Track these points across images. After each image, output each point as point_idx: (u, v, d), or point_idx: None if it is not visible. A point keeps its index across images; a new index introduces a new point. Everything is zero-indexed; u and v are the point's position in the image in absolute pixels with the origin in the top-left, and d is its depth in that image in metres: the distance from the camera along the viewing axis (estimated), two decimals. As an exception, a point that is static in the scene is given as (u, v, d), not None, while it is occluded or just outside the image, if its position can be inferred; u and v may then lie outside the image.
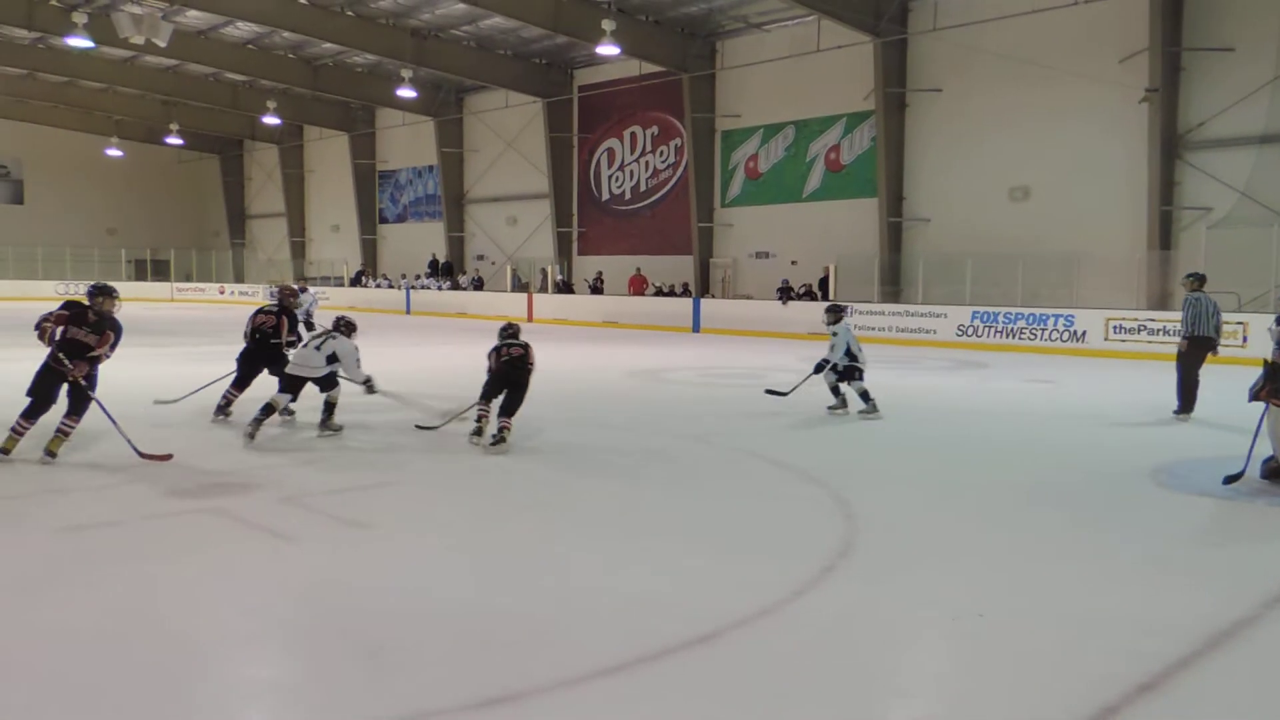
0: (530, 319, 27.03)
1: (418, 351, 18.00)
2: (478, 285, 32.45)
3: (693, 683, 3.58)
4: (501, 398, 8.04)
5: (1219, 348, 10.16)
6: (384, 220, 38.73)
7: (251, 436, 7.86)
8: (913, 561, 5.11)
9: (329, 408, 8.55)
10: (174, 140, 38.57)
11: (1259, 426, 6.85)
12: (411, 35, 27.28)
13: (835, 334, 9.79)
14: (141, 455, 6.97)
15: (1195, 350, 9.93)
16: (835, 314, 10.00)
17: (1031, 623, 4.20)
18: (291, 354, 8.67)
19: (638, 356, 16.92)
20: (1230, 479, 6.71)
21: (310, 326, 19.68)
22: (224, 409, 9.03)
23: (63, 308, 7.23)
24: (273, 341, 8.96)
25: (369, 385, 10.53)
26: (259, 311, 9.27)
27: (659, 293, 27.82)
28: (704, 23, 25.69)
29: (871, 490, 6.78)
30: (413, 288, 32.93)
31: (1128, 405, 11.10)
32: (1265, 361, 6.89)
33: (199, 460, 7.31)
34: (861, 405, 9.77)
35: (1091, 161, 20.07)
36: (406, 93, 28.32)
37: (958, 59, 21.84)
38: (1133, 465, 7.53)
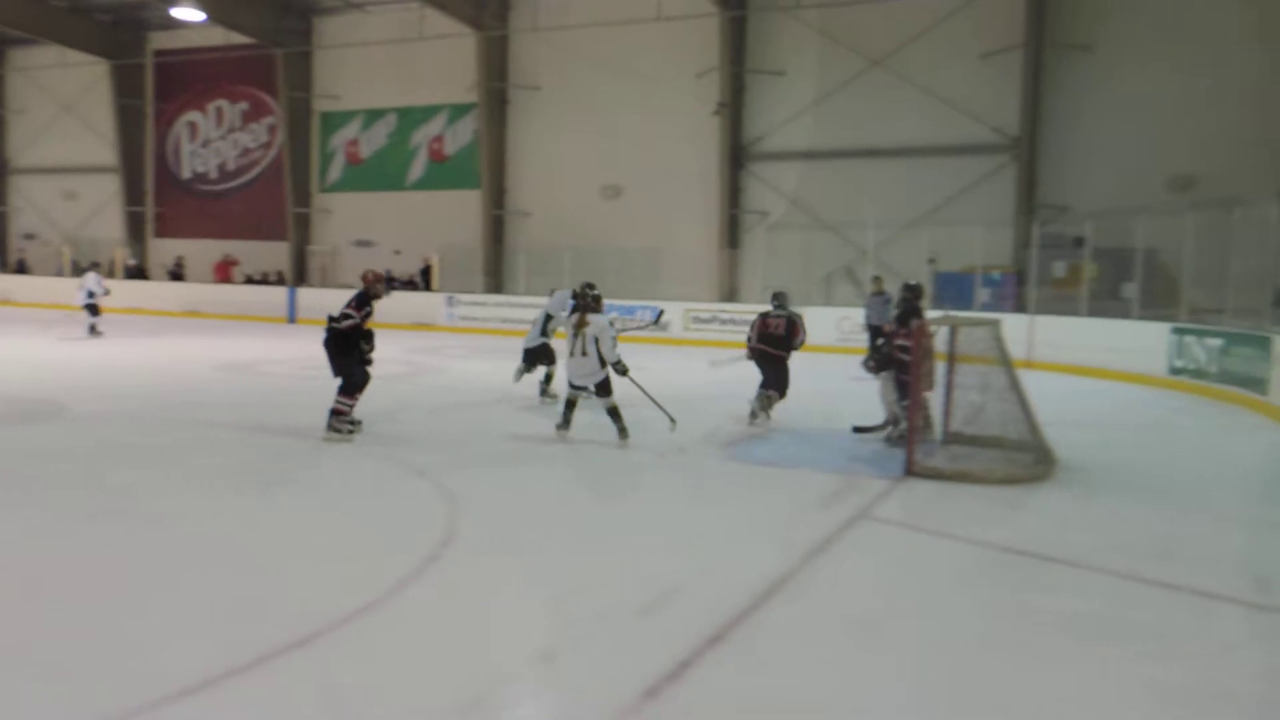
0: (96, 307, 23.96)
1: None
2: (21, 268, 28.17)
3: (290, 687, 3.47)
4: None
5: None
6: (-106, 188, 32.14)
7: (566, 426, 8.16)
8: (511, 544, 5.36)
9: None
10: None
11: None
12: (-69, -31, 22.92)
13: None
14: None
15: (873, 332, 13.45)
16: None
17: (620, 591, 4.59)
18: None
19: (228, 348, 15.72)
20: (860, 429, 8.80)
21: (94, 310, 16.09)
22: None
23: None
24: None
25: (619, 367, 8.26)
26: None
27: (250, 281, 26.02)
28: (299, -4, 24.38)
29: (474, 478, 6.93)
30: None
31: (705, 386, 12.36)
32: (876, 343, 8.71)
33: None
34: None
35: (674, 165, 21.98)
36: (-75, 37, 23.71)
37: (556, 60, 22.81)
38: (709, 441, 8.44)
